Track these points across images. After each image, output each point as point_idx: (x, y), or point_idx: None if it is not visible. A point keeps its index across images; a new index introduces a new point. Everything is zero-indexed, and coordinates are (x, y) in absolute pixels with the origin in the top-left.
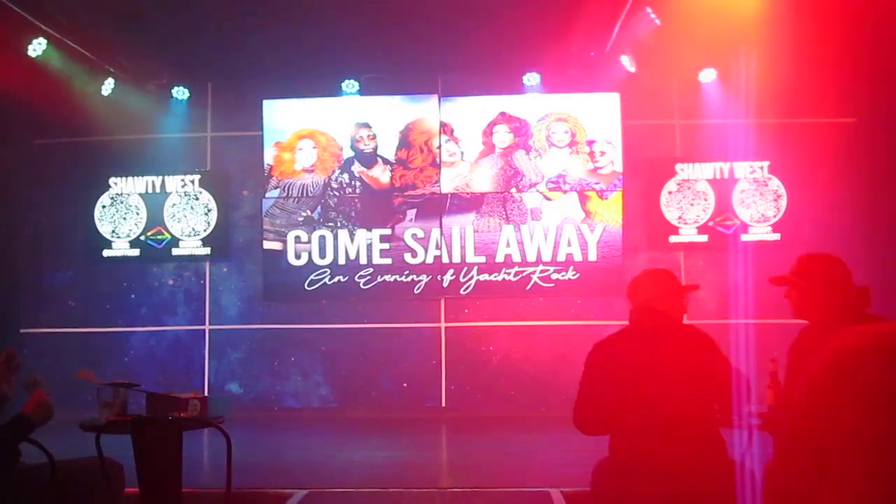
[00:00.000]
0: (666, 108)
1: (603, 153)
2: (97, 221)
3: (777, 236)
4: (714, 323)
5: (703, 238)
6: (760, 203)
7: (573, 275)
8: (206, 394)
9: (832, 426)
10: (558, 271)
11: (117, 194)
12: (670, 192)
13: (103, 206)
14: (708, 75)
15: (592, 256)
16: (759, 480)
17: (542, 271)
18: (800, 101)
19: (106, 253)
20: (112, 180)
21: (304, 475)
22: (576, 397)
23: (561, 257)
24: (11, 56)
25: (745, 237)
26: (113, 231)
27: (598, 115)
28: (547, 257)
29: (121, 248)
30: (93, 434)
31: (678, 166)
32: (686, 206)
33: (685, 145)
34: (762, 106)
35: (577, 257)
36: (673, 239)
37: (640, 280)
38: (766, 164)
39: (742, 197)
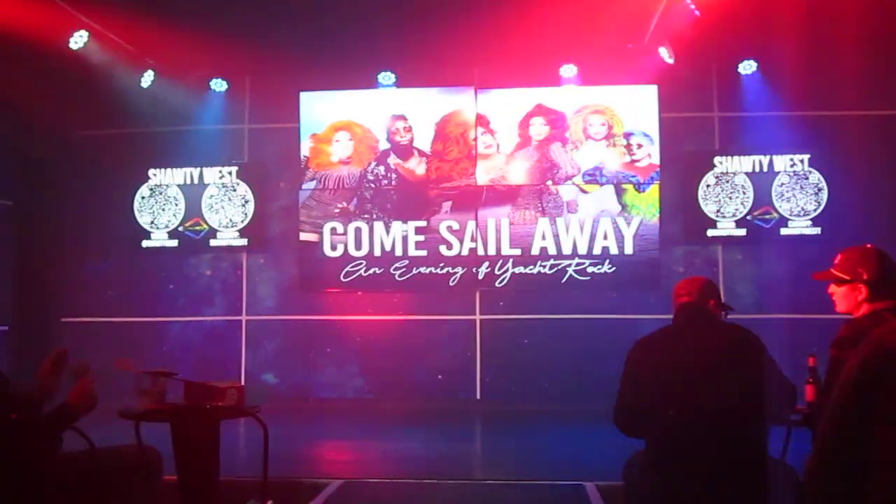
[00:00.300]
0: (705, 101)
1: (640, 146)
2: (136, 212)
3: (817, 230)
4: (752, 318)
5: (742, 232)
6: (800, 196)
7: (609, 268)
8: (242, 383)
9: (870, 423)
10: (594, 264)
11: (156, 185)
12: (708, 186)
13: (143, 198)
14: (748, 67)
15: (629, 250)
16: (799, 476)
17: (577, 264)
18: (841, 92)
19: (145, 243)
20: (151, 171)
21: (340, 465)
22: (616, 396)
23: (597, 250)
24: (54, 49)
25: (784, 231)
26: (152, 222)
27: (636, 107)
28: (583, 250)
29: (159, 239)
30: (132, 422)
31: (716, 159)
32: (724, 200)
33: (724, 138)
34: (803, 98)
35: (613, 250)
36: (711, 232)
37: (700, 281)
38: (806, 156)
39: (782, 190)
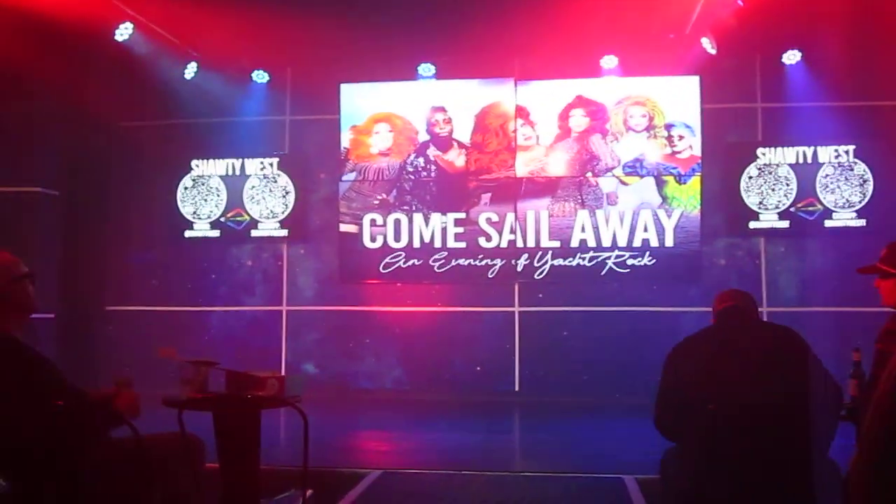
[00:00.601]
0: (748, 91)
1: (681, 137)
2: (179, 203)
3: (862, 222)
4: (795, 311)
5: (785, 224)
6: (845, 188)
7: (649, 260)
8: (282, 373)
9: None
10: (634, 257)
11: (199, 176)
12: (751, 177)
13: (185, 188)
14: (792, 57)
15: (669, 242)
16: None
17: (617, 256)
18: (887, 82)
19: (187, 234)
20: (194, 162)
21: (379, 455)
22: (656, 400)
23: (637, 243)
24: (100, 41)
25: (828, 223)
26: (194, 212)
27: (677, 98)
28: (622, 242)
29: (202, 230)
30: (175, 410)
31: (759, 150)
32: (767, 191)
33: (767, 129)
34: (848, 88)
35: (654, 243)
36: (753, 225)
37: (745, 294)
38: (851, 147)
39: (826, 182)
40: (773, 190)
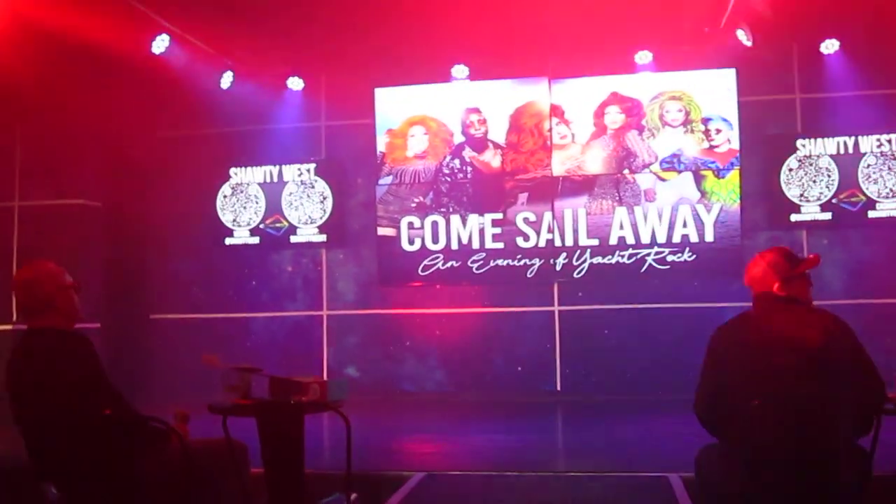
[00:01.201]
0: (785, 83)
1: (719, 131)
2: (219, 210)
3: None
4: (840, 303)
5: (827, 216)
6: (889, 178)
7: (689, 256)
8: (324, 377)
9: None
10: (674, 253)
11: (237, 184)
12: (791, 169)
13: (224, 196)
14: (830, 46)
15: (709, 237)
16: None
17: (656, 253)
18: None
19: (228, 241)
20: (232, 170)
21: (422, 457)
22: (697, 386)
23: (676, 238)
24: (137, 53)
25: (872, 214)
26: (234, 220)
27: (714, 91)
28: (662, 239)
29: (241, 237)
30: (220, 416)
31: (799, 142)
32: (808, 183)
33: (806, 120)
34: (889, 76)
35: (693, 238)
36: (794, 217)
37: (756, 265)
38: (894, 136)
39: (868, 172)
40: (814, 182)
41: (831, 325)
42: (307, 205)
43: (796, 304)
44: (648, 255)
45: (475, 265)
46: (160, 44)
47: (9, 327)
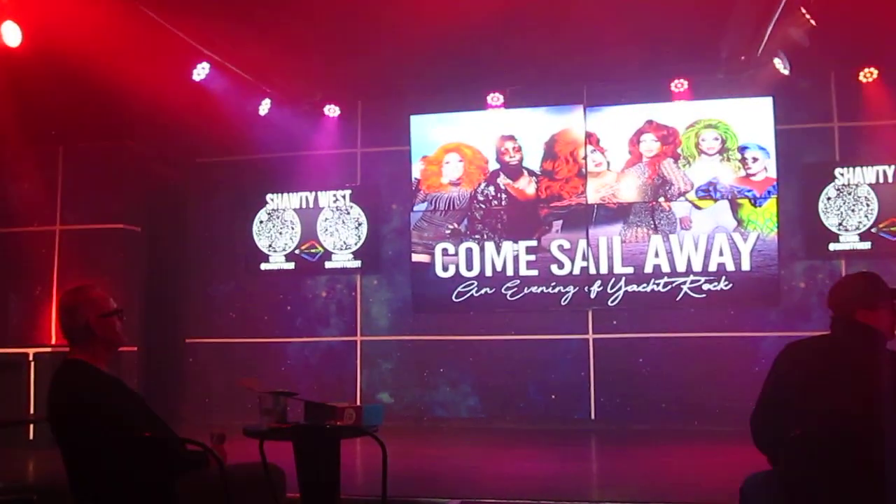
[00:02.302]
0: (823, 111)
1: (755, 159)
2: (255, 236)
3: None
4: None
5: (867, 245)
6: None
7: (725, 285)
8: (358, 403)
9: None
10: (709, 281)
11: (273, 210)
12: (829, 198)
13: (261, 222)
14: (869, 74)
15: (745, 266)
16: None
17: (692, 282)
18: None
19: (263, 266)
20: (269, 196)
21: (456, 484)
22: (757, 399)
23: (712, 267)
24: (179, 80)
25: None
26: (270, 245)
27: (750, 120)
28: (697, 267)
29: (277, 262)
30: (256, 440)
31: (837, 171)
32: (846, 212)
33: (845, 148)
34: None
35: (730, 267)
36: (833, 247)
37: (842, 288)
38: None
39: None
40: (852, 210)
41: None
42: (342, 231)
43: (875, 335)
44: (684, 283)
45: (509, 292)
46: (201, 71)
47: (48, 349)
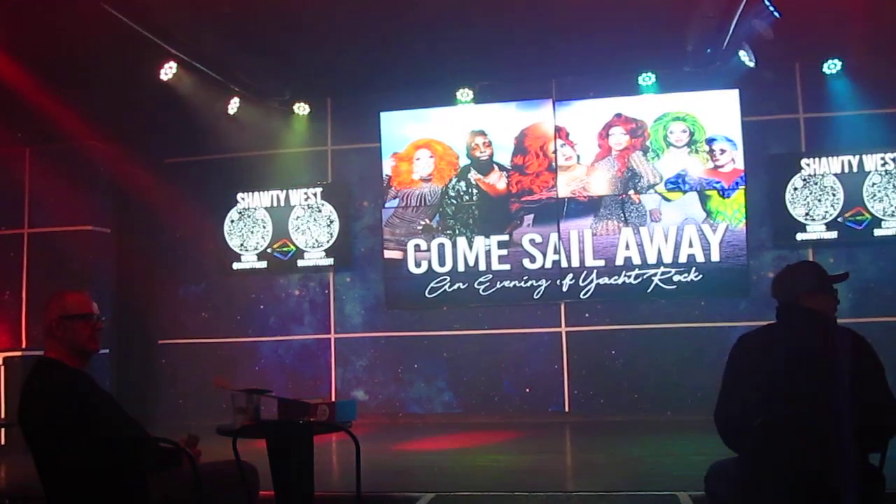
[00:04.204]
0: (789, 103)
1: (723, 151)
2: (227, 235)
3: None
4: (847, 321)
5: (833, 234)
6: (893, 196)
7: (695, 276)
8: (333, 400)
9: None
10: (680, 273)
11: (245, 209)
12: (796, 189)
13: (232, 221)
14: (833, 66)
15: (715, 257)
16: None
17: (663, 273)
18: None
19: (235, 266)
20: (240, 195)
21: (431, 479)
22: (718, 394)
23: (682, 258)
24: (146, 81)
25: (878, 232)
26: (241, 244)
27: (717, 112)
28: (668, 259)
29: (249, 261)
30: (229, 439)
31: (803, 161)
32: (813, 202)
33: (810, 139)
34: (892, 94)
35: (699, 258)
36: (800, 236)
37: (785, 276)
38: None
39: (873, 190)
40: (819, 200)
41: (852, 344)
42: (314, 229)
43: (820, 319)
44: (655, 275)
45: (482, 287)
46: (168, 71)
47: (18, 354)
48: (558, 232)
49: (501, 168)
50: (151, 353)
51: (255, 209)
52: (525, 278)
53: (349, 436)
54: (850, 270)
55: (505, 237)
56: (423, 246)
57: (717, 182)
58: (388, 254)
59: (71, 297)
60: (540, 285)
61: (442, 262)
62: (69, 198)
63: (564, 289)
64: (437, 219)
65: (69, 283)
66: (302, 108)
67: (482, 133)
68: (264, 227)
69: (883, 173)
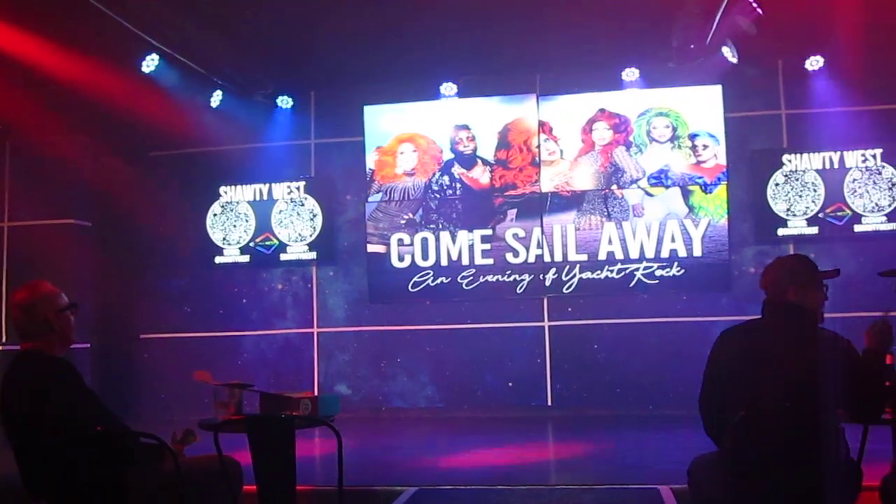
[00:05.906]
0: (771, 99)
1: (706, 146)
2: (209, 229)
3: (893, 226)
4: (827, 317)
5: (814, 230)
6: (874, 192)
7: (678, 271)
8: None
9: None
10: (662, 268)
11: (227, 202)
12: (777, 184)
13: (214, 215)
14: (815, 63)
15: (697, 252)
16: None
17: (645, 268)
18: None
19: (218, 260)
20: (222, 189)
21: (413, 473)
22: (701, 386)
23: (664, 253)
24: (127, 72)
25: (858, 228)
26: (224, 238)
27: (700, 108)
28: (650, 254)
29: (232, 255)
30: (211, 433)
31: (785, 157)
32: (794, 198)
33: (792, 135)
34: (873, 92)
35: (682, 253)
36: (781, 232)
37: (774, 269)
38: (878, 151)
39: (854, 186)
40: (800, 196)
41: (832, 344)
42: (297, 222)
43: (805, 315)
44: (637, 269)
45: (465, 281)
46: (150, 63)
47: None
48: (541, 226)
49: (485, 162)
50: (133, 348)
51: (237, 203)
52: (508, 273)
53: (331, 429)
54: (830, 266)
55: (488, 231)
56: (407, 240)
57: (700, 177)
58: (371, 248)
59: (52, 291)
60: (523, 280)
61: (425, 257)
62: (50, 191)
63: (547, 283)
64: (420, 213)
65: (50, 277)
66: (285, 102)
67: (466, 127)
68: (247, 221)
69: (863, 170)
